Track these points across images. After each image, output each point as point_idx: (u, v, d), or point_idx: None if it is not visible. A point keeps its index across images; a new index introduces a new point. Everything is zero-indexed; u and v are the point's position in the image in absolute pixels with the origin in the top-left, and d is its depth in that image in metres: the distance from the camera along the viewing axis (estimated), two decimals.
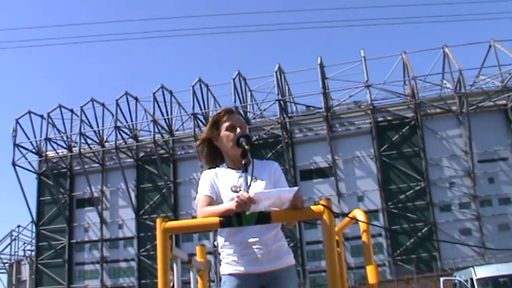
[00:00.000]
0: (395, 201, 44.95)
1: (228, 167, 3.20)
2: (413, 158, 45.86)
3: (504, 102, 45.10)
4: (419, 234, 43.23)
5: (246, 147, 2.98)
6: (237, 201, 2.69)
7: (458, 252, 41.49)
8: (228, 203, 2.87)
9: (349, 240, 37.93)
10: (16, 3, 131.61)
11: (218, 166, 3.26)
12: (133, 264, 50.37)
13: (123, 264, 51.07)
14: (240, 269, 3.02)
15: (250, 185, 2.85)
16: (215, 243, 37.19)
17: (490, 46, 45.56)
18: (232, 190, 3.06)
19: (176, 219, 46.10)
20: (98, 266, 51.38)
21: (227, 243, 3.08)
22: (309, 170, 48.26)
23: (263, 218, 2.73)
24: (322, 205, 2.70)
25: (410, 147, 46.02)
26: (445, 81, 48.25)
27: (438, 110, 46.43)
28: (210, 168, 3.26)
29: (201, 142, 3.35)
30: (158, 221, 2.80)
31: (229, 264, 3.07)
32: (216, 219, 2.78)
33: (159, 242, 2.77)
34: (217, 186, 3.12)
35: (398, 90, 48.99)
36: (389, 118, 47.10)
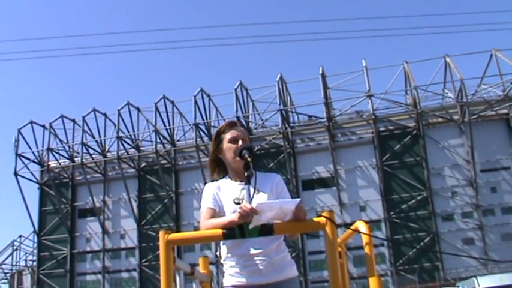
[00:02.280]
0: (398, 211, 44.84)
1: (231, 179, 3.22)
2: (415, 167, 45.79)
3: (506, 111, 45.09)
4: (422, 244, 43.11)
5: (249, 159, 2.99)
6: (239, 212, 2.70)
7: (461, 262, 41.28)
8: (231, 215, 2.88)
9: (351, 250, 37.81)
10: (18, 14, 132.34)
11: (221, 179, 3.28)
12: (135, 274, 50.25)
13: (124, 275, 50.94)
14: (243, 280, 3.03)
15: (252, 197, 2.87)
16: (217, 253, 37.09)
17: (492, 55, 45.61)
18: (234, 202, 3.07)
19: (178, 229, 46.26)
20: (99, 277, 51.25)
21: (230, 255, 3.09)
22: (310, 180, 48.19)
23: (266, 229, 2.74)
24: (325, 217, 2.71)
25: (412, 157, 45.97)
26: (446, 91, 48.29)
27: (440, 120, 46.42)
28: (212, 181, 3.28)
29: (210, 163, 3.37)
30: (161, 233, 2.80)
31: (232, 275, 3.08)
32: (219, 231, 2.79)
33: (162, 254, 2.78)
34: (220, 199, 3.13)
35: (400, 100, 49.12)
36: (391, 128, 47.10)
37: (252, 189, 2.90)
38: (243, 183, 2.99)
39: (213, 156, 3.33)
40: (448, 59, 46.52)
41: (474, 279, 21.15)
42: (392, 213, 44.88)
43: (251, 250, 3.01)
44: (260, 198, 3.03)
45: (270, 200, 3.05)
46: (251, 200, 2.84)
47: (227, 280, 3.11)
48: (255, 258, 3.01)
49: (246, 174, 2.95)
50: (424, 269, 42.88)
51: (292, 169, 47.64)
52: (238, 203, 3.03)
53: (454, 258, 41.50)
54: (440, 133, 45.89)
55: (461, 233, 43.62)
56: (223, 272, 3.16)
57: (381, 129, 47.04)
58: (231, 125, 3.31)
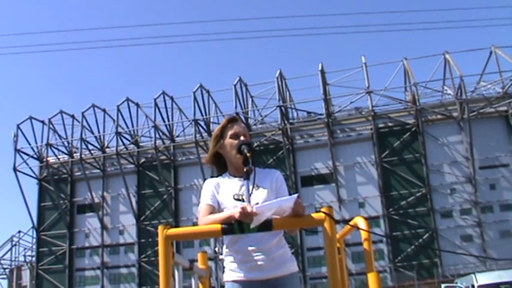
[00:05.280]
0: (397, 208, 44.88)
1: (231, 175, 3.22)
2: (414, 164, 45.82)
3: (505, 108, 45.10)
4: (420, 240, 43.17)
5: (248, 154, 3.00)
6: (240, 212, 2.70)
7: (459, 258, 41.36)
8: (230, 210, 2.88)
9: (350, 246, 37.82)
10: (17, 9, 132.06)
11: (221, 175, 3.28)
12: (134, 270, 50.28)
13: (123, 270, 50.98)
14: (244, 275, 3.04)
15: (251, 193, 2.87)
16: (216, 249, 37.09)
17: (491, 52, 45.57)
18: (234, 198, 3.08)
19: (177, 225, 46.28)
20: (98, 272, 51.29)
21: (229, 251, 3.10)
22: (310, 176, 48.20)
23: (265, 225, 2.74)
24: (324, 213, 2.71)
25: (411, 154, 45.99)
26: (446, 88, 48.26)
27: (439, 116, 46.43)
28: (212, 177, 3.29)
29: (210, 158, 3.36)
30: (160, 228, 2.80)
31: (232, 271, 3.08)
32: (218, 227, 2.79)
33: (160, 249, 2.77)
34: (219, 195, 3.14)
35: (399, 97, 49.11)
36: (390, 124, 47.10)
37: (251, 185, 2.91)
38: (243, 178, 3.00)
39: (213, 151, 3.33)
40: (447, 56, 46.48)
41: (472, 276, 21.19)
42: (391, 209, 44.93)
43: (250, 246, 3.01)
44: (259, 194, 3.04)
45: (270, 196, 3.06)
46: (250, 196, 2.85)
47: (227, 275, 3.12)
48: (255, 254, 3.01)
49: (244, 169, 2.96)
50: (423, 265, 42.94)
51: (291, 165, 47.63)
52: (238, 199, 3.04)
53: (452, 255, 41.60)
54: (440, 130, 45.90)
55: (460, 230, 43.68)
56: (224, 267, 3.17)
57: (380, 125, 47.04)
58: (233, 121, 3.33)
